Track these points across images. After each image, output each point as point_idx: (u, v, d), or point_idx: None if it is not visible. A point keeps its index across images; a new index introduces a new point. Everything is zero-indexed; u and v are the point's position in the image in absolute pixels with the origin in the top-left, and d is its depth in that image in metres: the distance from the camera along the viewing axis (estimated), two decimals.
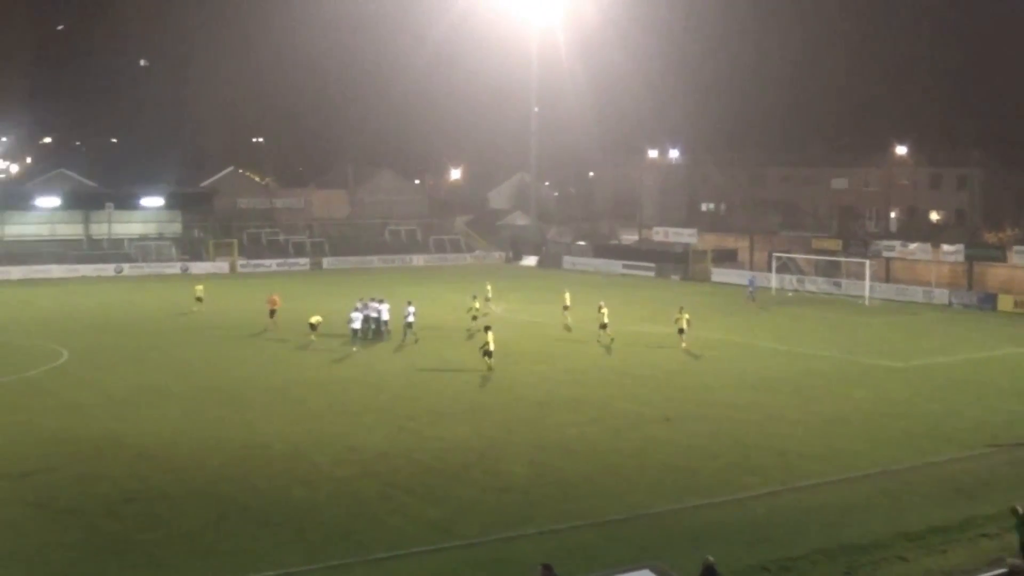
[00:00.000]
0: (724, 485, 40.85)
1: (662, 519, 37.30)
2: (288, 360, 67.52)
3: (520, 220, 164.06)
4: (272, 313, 79.64)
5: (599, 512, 37.66)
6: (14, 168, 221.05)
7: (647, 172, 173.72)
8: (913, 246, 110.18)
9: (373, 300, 76.60)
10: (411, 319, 74.54)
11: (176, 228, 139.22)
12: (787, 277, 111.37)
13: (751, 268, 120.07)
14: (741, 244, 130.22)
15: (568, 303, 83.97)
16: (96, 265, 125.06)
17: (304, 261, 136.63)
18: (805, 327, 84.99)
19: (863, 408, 54.67)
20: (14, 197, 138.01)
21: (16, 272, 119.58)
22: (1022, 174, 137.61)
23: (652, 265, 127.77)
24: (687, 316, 72.27)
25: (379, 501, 38.78)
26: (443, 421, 50.88)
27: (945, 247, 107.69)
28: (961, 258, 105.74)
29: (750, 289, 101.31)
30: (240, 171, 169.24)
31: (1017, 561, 28.89)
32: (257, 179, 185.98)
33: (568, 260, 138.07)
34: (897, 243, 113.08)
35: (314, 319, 73.73)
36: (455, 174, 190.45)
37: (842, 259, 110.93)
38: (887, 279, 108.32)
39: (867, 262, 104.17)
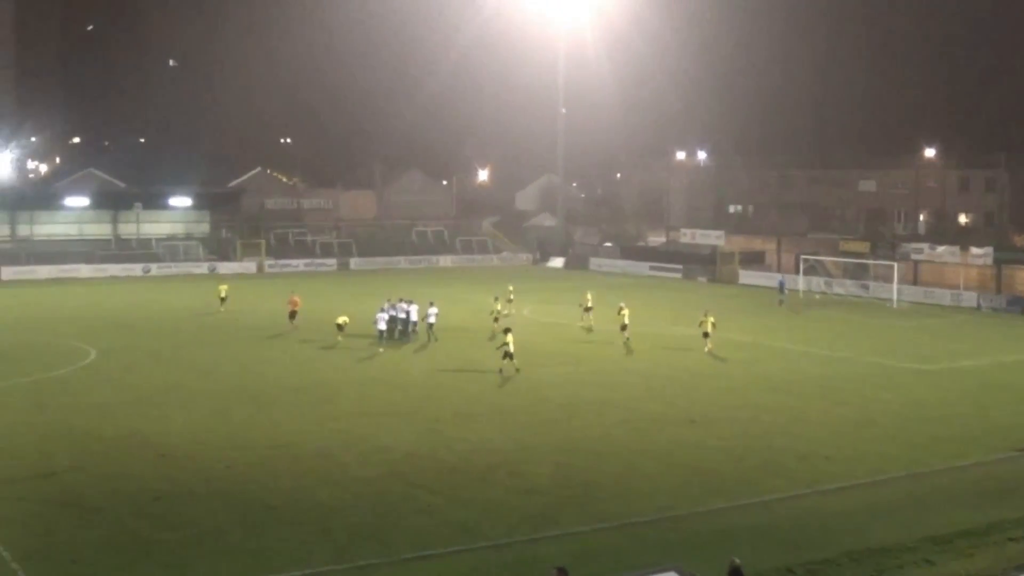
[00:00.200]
0: (750, 487, 40.78)
1: (688, 521, 37.24)
2: (315, 360, 67.60)
3: (547, 221, 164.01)
4: (293, 315, 79.65)
5: (624, 514, 37.62)
6: (43, 168, 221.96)
7: (674, 174, 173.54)
8: (941, 249, 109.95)
9: (401, 301, 76.66)
10: (432, 319, 74.76)
11: (204, 228, 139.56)
12: (815, 279, 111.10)
13: (779, 270, 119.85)
14: (769, 246, 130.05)
15: (590, 304, 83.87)
16: (124, 265, 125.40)
17: (331, 262, 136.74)
18: (832, 329, 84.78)
19: (890, 411, 54.52)
20: (43, 197, 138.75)
21: (45, 271, 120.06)
22: None
23: (679, 267, 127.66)
24: (712, 319, 72.09)
25: (405, 501, 38.80)
26: (469, 422, 50.90)
27: (973, 250, 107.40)
28: (989, 261, 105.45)
29: (782, 295, 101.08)
30: (268, 171, 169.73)
31: None
32: (285, 179, 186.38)
33: (595, 262, 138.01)
34: (925, 246, 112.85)
35: (341, 319, 73.76)
36: (482, 175, 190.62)
37: (870, 262, 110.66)
38: (915, 282, 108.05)
39: (895, 265, 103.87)
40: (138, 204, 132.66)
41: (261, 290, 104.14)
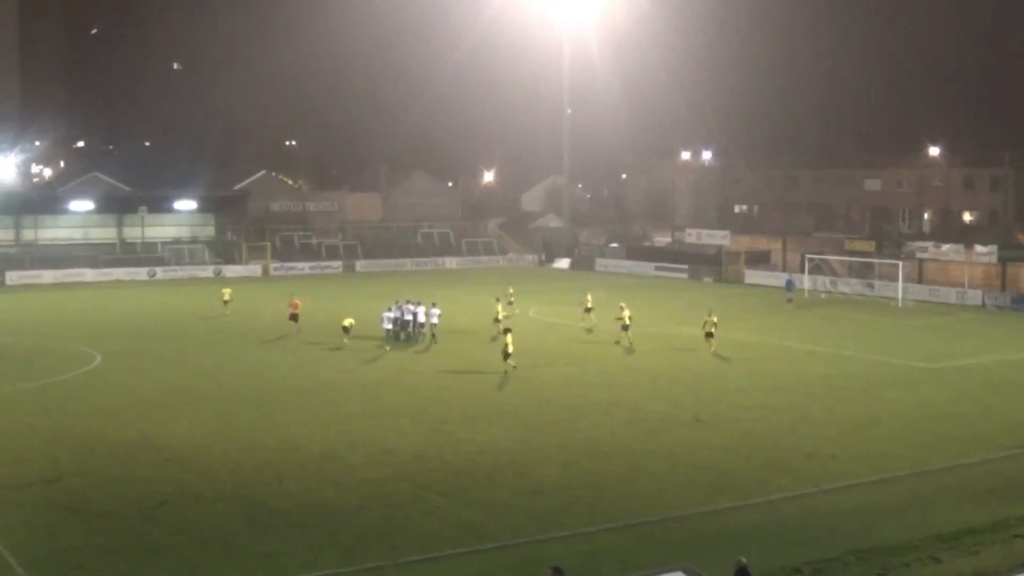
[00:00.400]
0: (757, 486, 40.78)
1: (694, 521, 37.24)
2: (320, 363, 67.63)
3: (553, 222, 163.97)
4: (294, 317, 79.56)
5: (631, 514, 37.63)
6: (48, 172, 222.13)
7: (680, 174, 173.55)
8: (946, 247, 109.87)
9: (408, 303, 76.69)
10: (435, 320, 74.93)
11: (209, 231, 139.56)
12: (820, 279, 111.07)
13: (785, 270, 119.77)
14: (774, 246, 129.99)
15: (591, 304, 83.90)
16: (129, 269, 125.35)
17: (337, 264, 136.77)
18: (838, 328, 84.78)
19: (896, 409, 54.49)
20: (48, 201, 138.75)
21: (50, 276, 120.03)
22: None
23: (685, 267, 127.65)
24: (715, 319, 72.07)
25: (412, 503, 38.81)
26: (475, 423, 50.90)
27: (978, 248, 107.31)
28: (994, 259, 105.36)
29: (790, 294, 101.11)
30: (273, 174, 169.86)
31: None
32: (290, 182, 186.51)
33: (601, 262, 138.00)
34: (930, 244, 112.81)
35: (347, 322, 73.71)
36: (488, 177, 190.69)
37: (875, 260, 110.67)
38: (920, 280, 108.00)
39: (900, 263, 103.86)
40: (143, 208, 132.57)
41: (266, 293, 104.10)
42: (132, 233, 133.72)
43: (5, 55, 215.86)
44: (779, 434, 49.02)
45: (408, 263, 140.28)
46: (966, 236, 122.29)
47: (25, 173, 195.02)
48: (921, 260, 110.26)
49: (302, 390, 58.68)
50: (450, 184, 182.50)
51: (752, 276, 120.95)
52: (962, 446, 47.11)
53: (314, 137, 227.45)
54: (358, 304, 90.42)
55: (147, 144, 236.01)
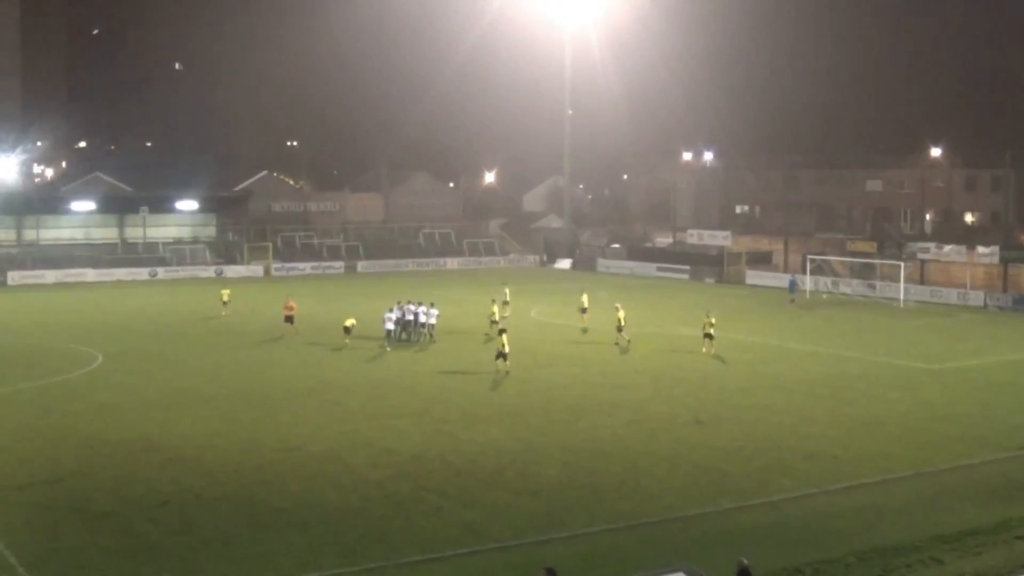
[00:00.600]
0: (758, 487, 40.77)
1: (696, 522, 37.24)
2: (322, 363, 67.63)
3: (554, 223, 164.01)
4: (290, 319, 79.41)
5: (632, 515, 37.62)
6: (50, 172, 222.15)
7: (681, 174, 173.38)
8: (948, 248, 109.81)
9: (410, 303, 76.68)
10: (432, 320, 75.11)
11: (210, 232, 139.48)
12: (822, 279, 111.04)
13: (786, 270, 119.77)
14: (776, 246, 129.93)
15: (586, 305, 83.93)
16: (131, 269, 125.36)
17: (338, 264, 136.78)
18: (839, 329, 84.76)
19: (898, 410, 54.48)
20: (49, 201, 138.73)
21: (51, 276, 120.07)
22: None
23: (686, 268, 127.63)
24: (714, 320, 71.91)
25: (413, 504, 38.82)
26: (477, 424, 50.90)
27: (980, 249, 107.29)
28: (996, 260, 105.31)
29: (793, 295, 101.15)
30: (274, 174, 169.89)
31: None
32: (291, 182, 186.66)
33: (602, 263, 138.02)
34: (932, 245, 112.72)
35: (348, 322, 73.70)
36: (489, 177, 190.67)
37: (877, 261, 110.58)
38: (922, 281, 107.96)
39: (902, 264, 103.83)
40: (144, 208, 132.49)
41: (268, 293, 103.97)
42: (134, 233, 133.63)
43: (7, 55, 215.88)
44: (781, 435, 49.01)
45: (410, 264, 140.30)
46: (968, 237, 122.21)
47: (27, 173, 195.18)
48: (923, 261, 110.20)
49: (303, 390, 58.67)
50: (451, 184, 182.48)
51: (753, 277, 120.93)
52: (964, 447, 47.10)
53: (316, 137, 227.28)
54: (360, 304, 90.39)
55: (149, 144, 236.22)
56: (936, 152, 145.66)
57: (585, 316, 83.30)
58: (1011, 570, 31.17)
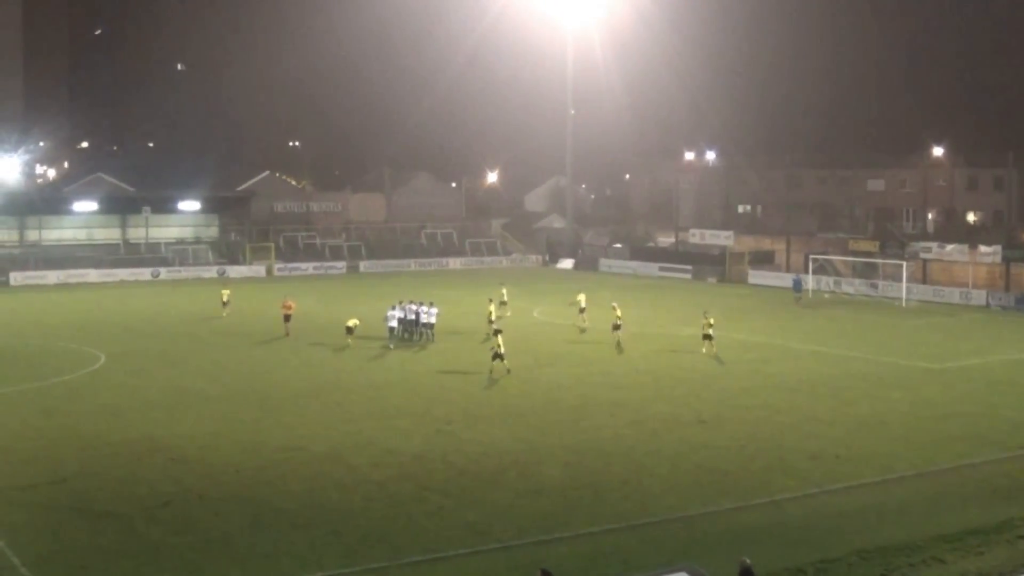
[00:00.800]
0: (760, 487, 40.76)
1: (698, 522, 37.22)
2: (324, 363, 67.64)
3: (556, 223, 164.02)
4: (287, 318, 79.37)
5: (635, 515, 37.62)
6: (52, 173, 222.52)
7: (683, 174, 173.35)
8: (950, 247, 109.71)
9: (412, 303, 76.70)
10: (432, 320, 75.23)
11: (213, 232, 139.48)
12: (824, 279, 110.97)
13: (788, 270, 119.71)
14: (778, 246, 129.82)
15: (583, 305, 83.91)
16: (133, 269, 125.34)
17: (341, 264, 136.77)
18: (842, 329, 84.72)
19: (900, 410, 54.45)
20: (52, 201, 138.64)
21: (53, 276, 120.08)
22: None
23: (689, 267, 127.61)
24: (712, 320, 71.74)
25: (415, 504, 38.82)
26: (479, 424, 50.89)
27: (982, 248, 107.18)
28: (998, 259, 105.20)
29: (798, 294, 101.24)
30: (277, 175, 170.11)
31: None
32: (294, 182, 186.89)
33: (604, 263, 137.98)
34: (934, 244, 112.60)
35: (351, 322, 73.66)
36: (492, 177, 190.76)
37: (879, 261, 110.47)
38: (924, 280, 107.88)
39: (904, 264, 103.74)
40: (147, 208, 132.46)
41: (270, 294, 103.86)
42: (136, 234, 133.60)
43: (10, 55, 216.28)
44: (783, 435, 48.99)
45: (412, 264, 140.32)
46: (970, 236, 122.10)
47: (29, 173, 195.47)
48: (925, 260, 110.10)
49: (305, 391, 58.68)
50: (454, 184, 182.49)
51: (756, 276, 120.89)
52: (966, 447, 47.07)
53: (318, 137, 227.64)
54: (362, 305, 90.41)
55: (151, 145, 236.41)
56: (938, 151, 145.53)
57: (583, 316, 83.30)
58: (1013, 569, 31.16)
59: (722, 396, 57.57)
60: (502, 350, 62.50)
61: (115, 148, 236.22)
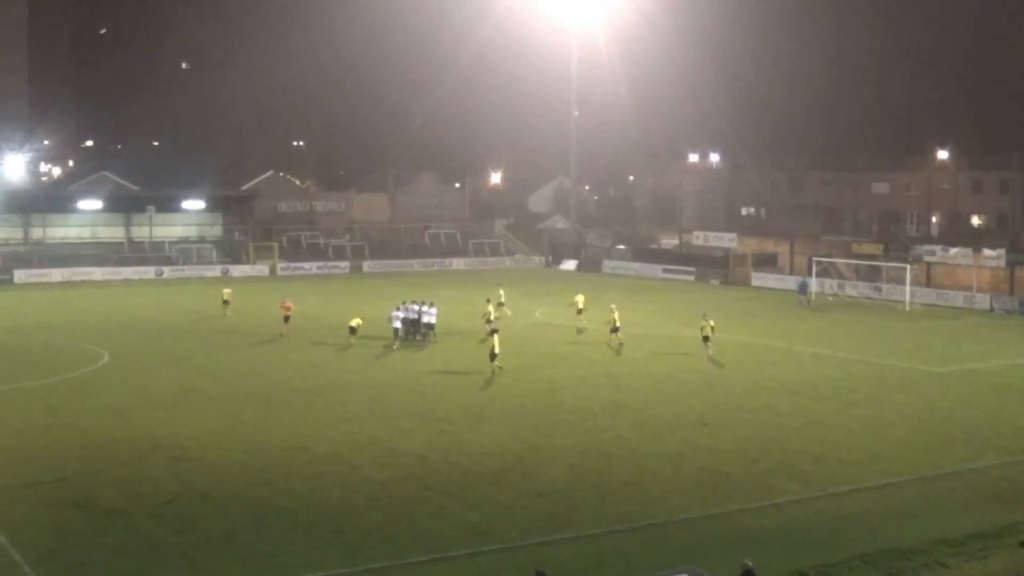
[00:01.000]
0: (763, 490, 40.75)
1: (700, 524, 37.24)
2: (327, 363, 67.63)
3: (560, 224, 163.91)
4: (286, 319, 79.33)
5: (637, 516, 37.62)
6: (56, 171, 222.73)
7: (687, 176, 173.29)
8: (954, 251, 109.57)
9: (414, 303, 76.72)
10: (432, 319, 75.39)
11: (217, 231, 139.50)
12: (827, 282, 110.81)
13: (791, 272, 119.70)
14: (781, 248, 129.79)
15: (581, 306, 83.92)
16: (137, 268, 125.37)
17: (344, 264, 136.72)
18: (845, 332, 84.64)
19: (903, 413, 54.43)
20: (56, 200, 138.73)
21: (57, 274, 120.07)
22: None
23: (692, 269, 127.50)
24: (712, 323, 71.60)
25: (417, 504, 38.83)
26: (481, 424, 50.90)
27: (987, 252, 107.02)
28: (1003, 263, 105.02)
29: (803, 296, 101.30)
30: (280, 174, 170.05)
31: None
32: (297, 182, 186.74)
33: (608, 264, 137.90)
34: (938, 248, 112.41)
35: (354, 322, 73.69)
36: (495, 178, 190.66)
37: (883, 264, 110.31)
38: (928, 284, 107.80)
39: (908, 267, 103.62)
40: (151, 207, 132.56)
41: (273, 293, 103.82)
42: (140, 232, 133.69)
43: (15, 54, 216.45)
44: (786, 437, 48.98)
45: (415, 264, 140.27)
46: (974, 239, 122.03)
47: (34, 172, 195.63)
48: (929, 263, 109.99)
49: (308, 390, 58.67)
50: (457, 185, 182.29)
51: (759, 279, 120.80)
52: (970, 450, 47.05)
53: (322, 137, 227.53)
54: (365, 305, 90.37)
55: (155, 144, 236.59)
56: (943, 154, 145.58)
57: (581, 316, 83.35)
58: (1016, 574, 31.13)
59: (725, 398, 57.56)
60: (497, 350, 62.55)
61: (119, 147, 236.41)
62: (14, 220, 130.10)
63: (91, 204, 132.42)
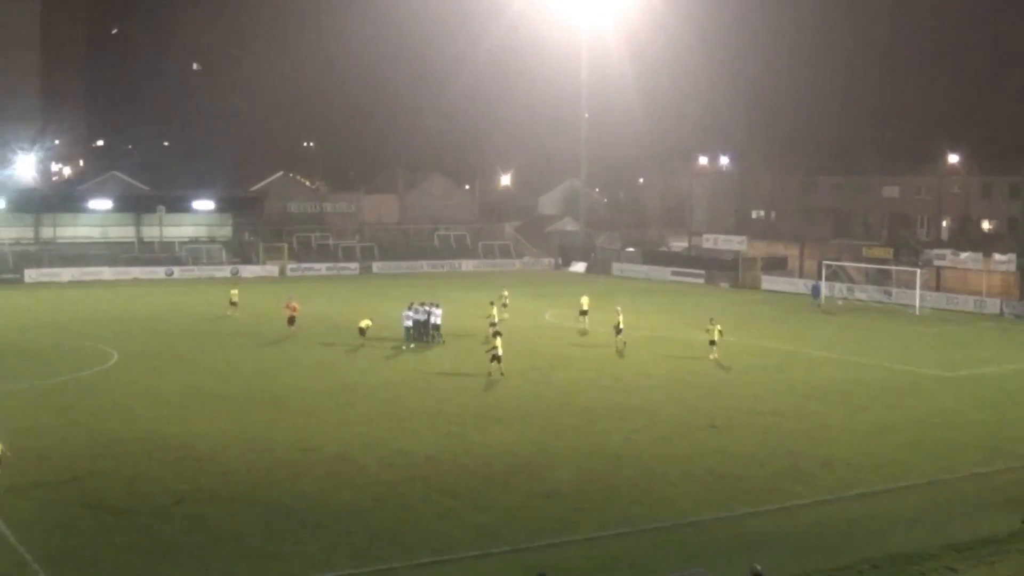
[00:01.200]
0: (771, 493, 40.74)
1: (709, 527, 37.24)
2: (336, 364, 67.67)
3: (569, 226, 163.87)
4: (291, 320, 79.27)
5: (645, 519, 37.63)
6: (67, 171, 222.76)
7: (697, 179, 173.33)
8: (964, 255, 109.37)
9: (424, 304, 76.77)
10: (437, 320, 75.31)
11: (227, 231, 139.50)
12: (837, 285, 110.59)
13: (801, 276, 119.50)
14: (791, 252, 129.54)
15: (586, 307, 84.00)
16: (147, 268, 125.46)
17: (354, 266, 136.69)
18: (855, 335, 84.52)
19: (912, 417, 54.37)
20: (67, 199, 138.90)
21: (68, 274, 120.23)
22: None
23: (701, 272, 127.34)
24: (719, 327, 71.46)
25: (425, 505, 38.85)
26: (490, 426, 50.91)
27: (997, 256, 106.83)
28: (1013, 267, 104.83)
29: (817, 300, 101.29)
30: (291, 175, 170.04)
31: None
32: (307, 183, 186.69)
33: (617, 267, 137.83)
34: (948, 252, 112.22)
35: (363, 323, 73.77)
36: (505, 180, 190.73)
37: (893, 268, 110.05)
38: (938, 288, 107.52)
39: (918, 271, 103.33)
40: (161, 207, 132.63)
41: (283, 294, 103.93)
42: (150, 232, 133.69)
43: (26, 54, 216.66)
44: (795, 441, 48.95)
45: (424, 265, 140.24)
46: (984, 244, 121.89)
47: (44, 171, 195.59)
48: (939, 268, 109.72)
49: (317, 391, 58.73)
50: (467, 187, 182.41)
51: (769, 282, 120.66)
52: (979, 455, 47.00)
53: (332, 138, 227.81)
54: (374, 306, 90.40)
55: (166, 144, 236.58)
56: (953, 159, 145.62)
57: (585, 318, 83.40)
58: None
59: (734, 401, 57.53)
60: (500, 352, 62.54)
61: (130, 147, 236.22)
62: (25, 219, 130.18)
63: (101, 204, 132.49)
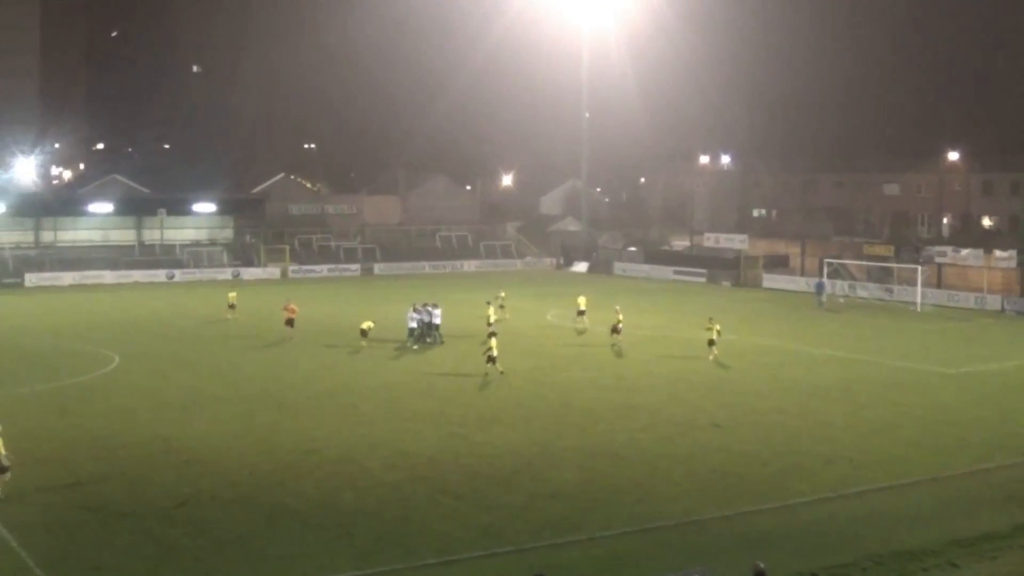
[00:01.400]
0: (774, 491, 40.74)
1: (712, 525, 37.22)
2: (338, 365, 67.66)
3: (571, 226, 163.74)
4: (290, 322, 79.19)
5: (649, 518, 37.60)
6: (67, 174, 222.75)
7: (698, 178, 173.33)
8: (965, 252, 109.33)
9: (427, 305, 76.79)
10: (436, 320, 75.22)
11: (228, 234, 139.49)
12: (839, 283, 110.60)
13: (803, 274, 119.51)
14: (793, 250, 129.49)
15: (582, 307, 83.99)
16: (148, 271, 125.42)
17: (355, 267, 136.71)
18: (856, 333, 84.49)
19: (914, 414, 54.37)
20: (67, 203, 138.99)
21: (69, 278, 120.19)
22: None
23: (703, 271, 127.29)
24: (718, 327, 71.39)
25: (428, 506, 38.84)
26: (492, 427, 50.89)
27: (998, 253, 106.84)
28: (1014, 264, 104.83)
29: (820, 298, 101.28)
30: (292, 177, 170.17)
31: None
32: (308, 185, 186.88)
33: (619, 266, 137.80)
34: (949, 249, 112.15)
35: (365, 324, 73.72)
36: (506, 180, 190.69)
37: (894, 265, 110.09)
38: (939, 285, 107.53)
39: (919, 268, 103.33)
40: (162, 210, 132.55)
41: (284, 296, 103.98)
42: (151, 235, 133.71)
43: (26, 57, 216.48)
44: (797, 439, 48.94)
45: (426, 266, 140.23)
46: (985, 241, 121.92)
47: (45, 175, 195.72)
48: (940, 265, 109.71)
49: (319, 393, 58.72)
50: (468, 187, 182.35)
51: (770, 280, 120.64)
52: (981, 451, 46.99)
53: (333, 140, 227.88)
54: (376, 307, 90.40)
55: (166, 146, 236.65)
56: (954, 156, 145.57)
57: (583, 318, 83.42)
58: None
59: (736, 400, 57.51)
60: (495, 352, 62.54)
61: (130, 150, 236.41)
62: (25, 223, 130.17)
63: (102, 207, 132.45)
